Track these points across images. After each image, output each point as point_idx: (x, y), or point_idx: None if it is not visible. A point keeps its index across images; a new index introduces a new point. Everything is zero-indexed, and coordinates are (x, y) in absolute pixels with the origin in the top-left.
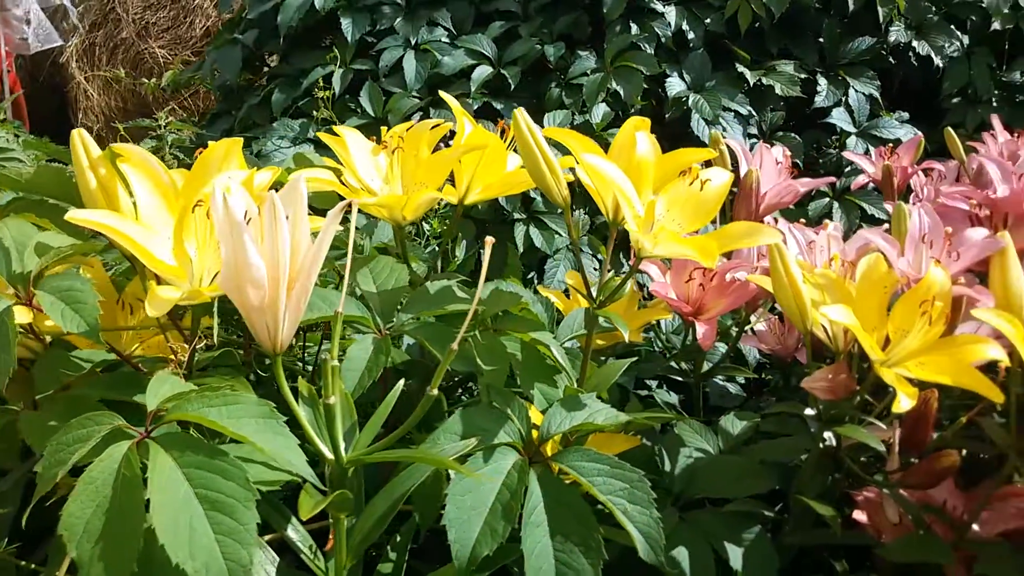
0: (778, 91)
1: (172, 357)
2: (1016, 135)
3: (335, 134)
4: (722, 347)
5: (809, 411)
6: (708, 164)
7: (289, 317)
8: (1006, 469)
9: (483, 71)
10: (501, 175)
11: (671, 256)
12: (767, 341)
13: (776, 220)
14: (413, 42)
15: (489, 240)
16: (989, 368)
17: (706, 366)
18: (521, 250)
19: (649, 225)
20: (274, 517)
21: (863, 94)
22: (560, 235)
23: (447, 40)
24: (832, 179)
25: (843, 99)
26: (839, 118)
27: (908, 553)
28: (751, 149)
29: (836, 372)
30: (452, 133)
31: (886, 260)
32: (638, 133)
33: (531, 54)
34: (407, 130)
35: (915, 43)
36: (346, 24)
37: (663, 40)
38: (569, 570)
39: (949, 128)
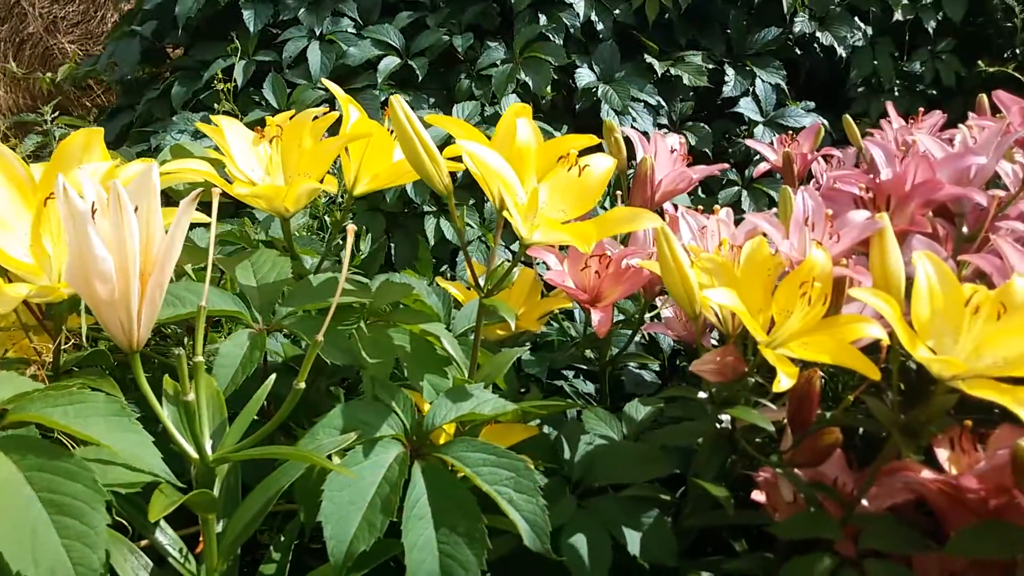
0: (686, 81)
1: (36, 358)
2: (910, 122)
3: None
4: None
5: (702, 394)
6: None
7: (146, 312)
8: (890, 445)
9: (390, 62)
10: (388, 164)
11: (550, 242)
12: (674, 327)
13: (676, 207)
14: (318, 33)
15: (351, 228)
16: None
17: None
18: (432, 242)
19: (533, 212)
20: (139, 520)
21: (769, 84)
22: (472, 227)
23: (353, 31)
24: (724, 166)
25: (750, 89)
26: (747, 107)
27: (797, 530)
28: None
29: (724, 355)
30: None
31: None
32: (519, 120)
33: (439, 45)
34: (290, 119)
35: (819, 34)
36: (248, 15)
37: (572, 31)
38: (454, 562)
39: (847, 116)
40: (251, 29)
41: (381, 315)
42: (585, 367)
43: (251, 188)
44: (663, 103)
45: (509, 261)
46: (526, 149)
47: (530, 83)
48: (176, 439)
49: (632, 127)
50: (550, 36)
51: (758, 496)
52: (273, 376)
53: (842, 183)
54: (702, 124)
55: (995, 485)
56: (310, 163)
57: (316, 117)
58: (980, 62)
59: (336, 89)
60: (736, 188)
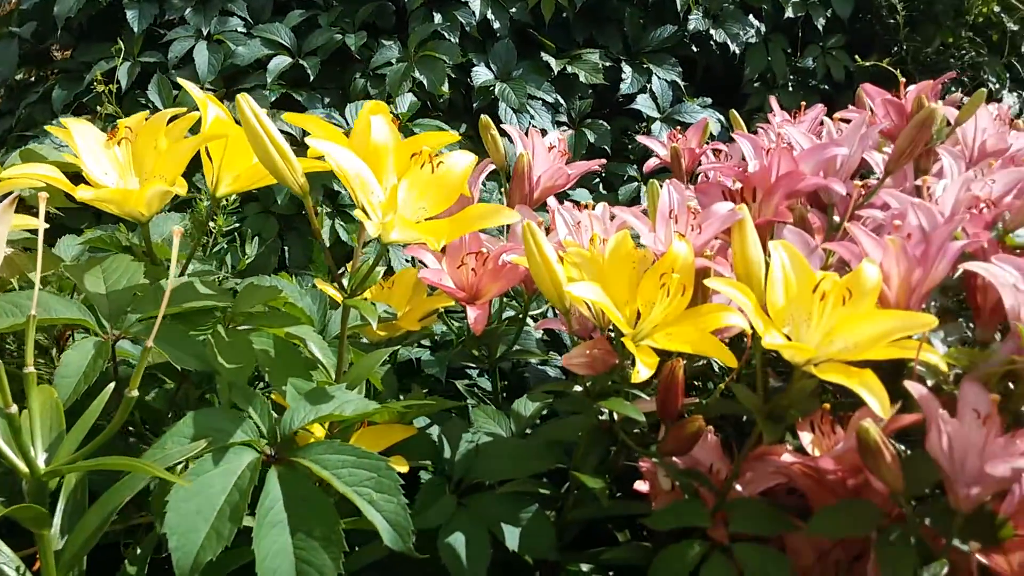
0: (583, 79)
1: None
2: (793, 115)
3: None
4: (537, 333)
5: (577, 388)
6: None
7: None
8: (756, 431)
9: (280, 62)
10: (248, 164)
11: (406, 241)
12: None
13: (574, 202)
14: (205, 32)
15: (177, 230)
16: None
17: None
18: (328, 244)
19: (392, 210)
20: None
21: (666, 81)
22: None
23: (243, 30)
24: (601, 161)
25: (647, 86)
26: (644, 104)
27: (669, 519)
28: None
29: (593, 347)
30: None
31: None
32: (374, 118)
33: (331, 44)
34: (145, 119)
35: (713, 31)
36: (131, 15)
37: (468, 29)
38: (310, 567)
39: (733, 111)
40: (135, 29)
41: (246, 319)
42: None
43: (96, 192)
44: (562, 101)
45: (408, 263)
46: (382, 147)
47: (425, 82)
48: (4, 453)
49: (531, 125)
50: (445, 35)
51: (641, 486)
52: (112, 385)
53: (724, 174)
54: (601, 121)
55: (851, 466)
56: (165, 165)
57: (173, 118)
58: (857, 57)
59: (191, 88)
60: (636, 184)
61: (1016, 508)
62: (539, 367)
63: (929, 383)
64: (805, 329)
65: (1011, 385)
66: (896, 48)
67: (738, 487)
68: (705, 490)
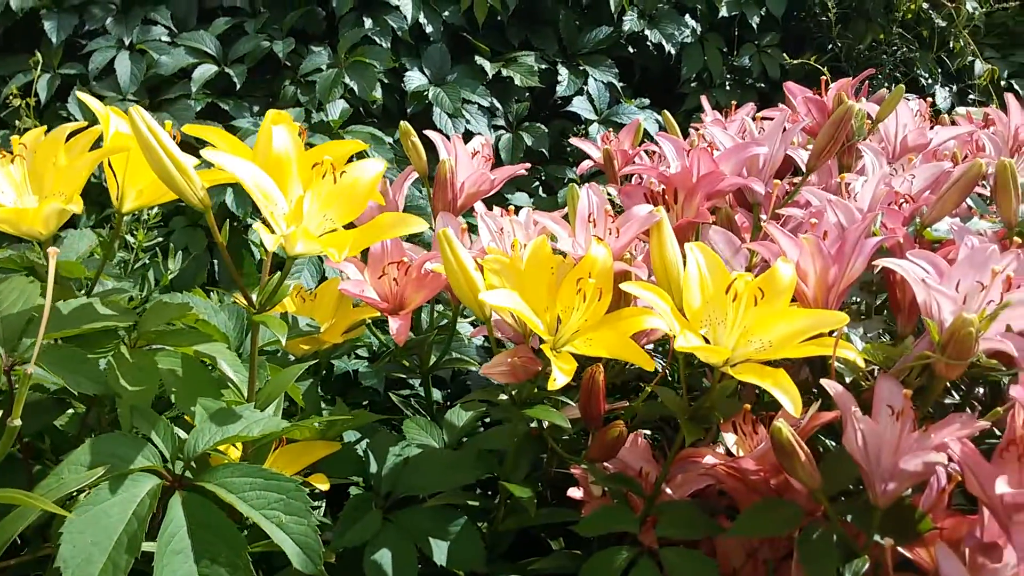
0: (518, 82)
1: None
2: (724, 113)
3: None
4: (477, 340)
5: (503, 396)
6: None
7: None
8: (680, 434)
9: (205, 70)
10: (151, 179)
11: (310, 253)
12: (503, 329)
13: (494, 207)
14: (127, 42)
15: (53, 251)
16: None
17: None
18: (258, 257)
19: (298, 221)
20: None
21: (602, 82)
22: None
23: (167, 39)
24: (527, 165)
25: (584, 88)
26: (580, 106)
27: (596, 526)
28: (498, 141)
29: (514, 355)
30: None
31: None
32: (274, 128)
33: (258, 51)
34: (43, 135)
35: (648, 32)
36: (49, 26)
37: (400, 34)
38: None
39: (666, 112)
40: (53, 40)
41: (154, 338)
42: (438, 375)
43: None
44: (498, 105)
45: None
46: (284, 158)
47: (356, 88)
48: None
49: (467, 129)
50: (376, 39)
51: (575, 493)
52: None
53: (636, 179)
54: (539, 124)
55: (773, 465)
56: (64, 182)
57: (75, 132)
58: (785, 55)
59: (91, 101)
60: None
61: (935, 502)
62: (480, 375)
63: (848, 380)
64: (722, 330)
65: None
66: (830, 46)
67: (669, 491)
68: (635, 495)
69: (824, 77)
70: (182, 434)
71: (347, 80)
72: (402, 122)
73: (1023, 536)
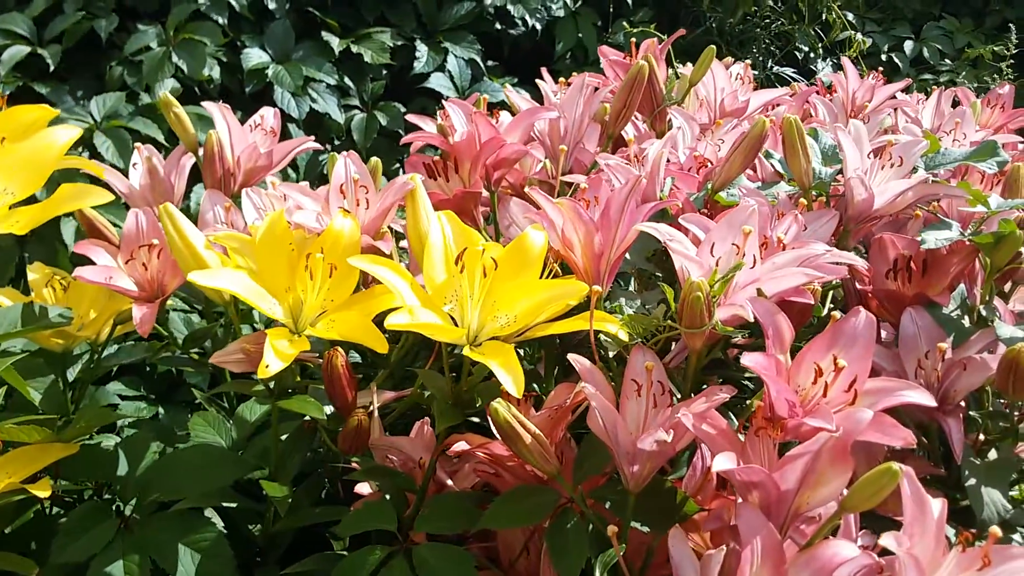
0: (368, 59)
1: None
2: (559, 84)
3: None
4: None
5: (259, 387)
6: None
7: None
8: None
9: (16, 52)
10: None
11: None
12: None
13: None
14: None
15: None
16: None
17: None
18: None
19: None
20: None
21: (463, 59)
22: None
23: None
24: (310, 139)
25: (444, 65)
26: (438, 83)
27: (355, 525)
28: (350, 121)
29: (250, 342)
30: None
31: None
32: None
33: (78, 30)
34: None
35: (511, 7)
36: None
37: (238, 9)
38: None
39: (507, 86)
40: None
41: None
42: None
43: None
44: (351, 83)
45: None
46: None
47: (185, 67)
48: None
49: (312, 108)
50: (210, 15)
51: (362, 488)
52: None
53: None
54: (395, 104)
55: None
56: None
57: None
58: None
59: None
60: None
61: (699, 484)
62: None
63: (611, 353)
64: (471, 306)
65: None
66: (706, 21)
67: (451, 483)
68: (405, 489)
69: (632, 41)
70: None
71: (175, 59)
72: (162, 93)
73: (745, 515)
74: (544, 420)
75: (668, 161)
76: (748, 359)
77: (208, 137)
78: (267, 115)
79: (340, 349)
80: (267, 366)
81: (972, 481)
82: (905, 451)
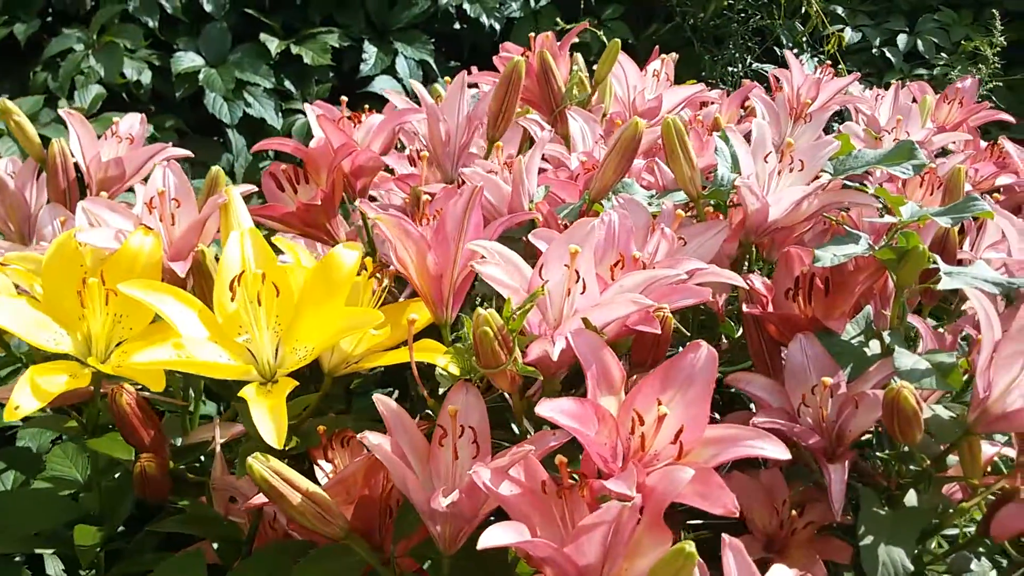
0: (308, 61)
1: None
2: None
3: None
4: None
5: (72, 423)
6: None
7: None
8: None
9: None
10: None
11: None
12: None
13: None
14: None
15: None
16: None
17: None
18: None
19: None
20: None
21: (413, 60)
22: None
23: None
24: (167, 145)
25: (392, 66)
26: (385, 86)
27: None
28: (291, 127)
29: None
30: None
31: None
32: None
33: None
34: None
35: (466, 6)
36: None
37: (171, 11)
38: None
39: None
40: None
41: None
42: None
43: None
44: (293, 87)
45: None
46: None
47: (102, 71)
48: None
49: (247, 113)
50: (139, 17)
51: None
52: None
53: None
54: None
55: (344, 497)
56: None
57: None
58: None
59: None
60: None
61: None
62: None
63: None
64: (263, 336)
65: None
66: (678, 17)
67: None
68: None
69: (534, 35)
70: None
71: (92, 63)
72: (1, 99)
73: None
74: (361, 467)
75: (561, 167)
76: (546, 407)
77: (50, 146)
78: (125, 122)
79: (127, 385)
80: (16, 407)
81: (868, 540)
82: (810, 494)
